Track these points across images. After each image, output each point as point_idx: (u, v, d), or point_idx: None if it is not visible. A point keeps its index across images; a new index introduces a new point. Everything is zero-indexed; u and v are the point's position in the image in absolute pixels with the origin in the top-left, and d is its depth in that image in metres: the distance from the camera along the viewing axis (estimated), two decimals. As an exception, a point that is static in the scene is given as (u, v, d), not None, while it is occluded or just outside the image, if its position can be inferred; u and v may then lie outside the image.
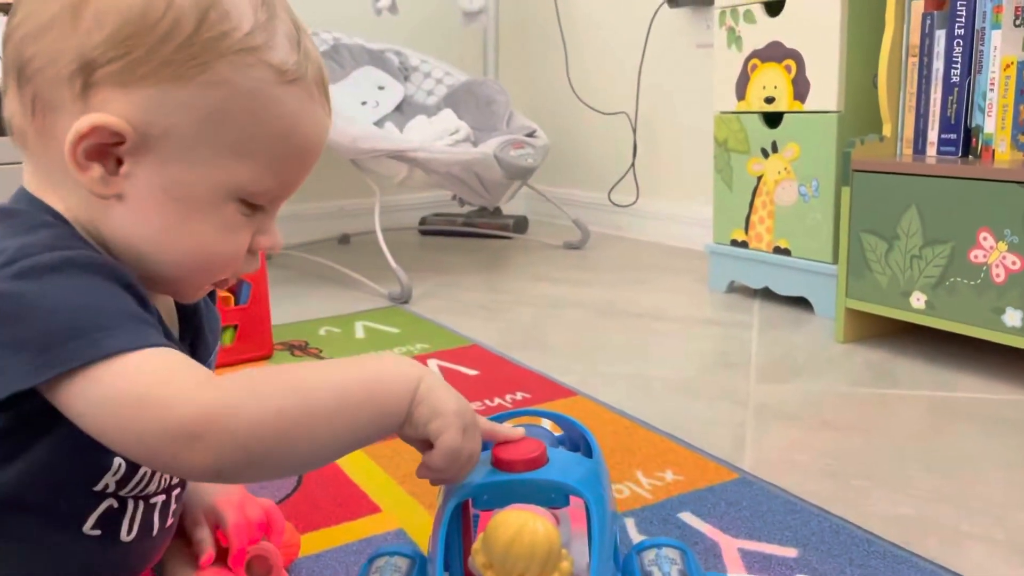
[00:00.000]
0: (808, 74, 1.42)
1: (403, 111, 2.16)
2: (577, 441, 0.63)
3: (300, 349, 1.35)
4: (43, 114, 0.45)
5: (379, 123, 2.04)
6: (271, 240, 0.51)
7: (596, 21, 2.33)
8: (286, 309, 1.56)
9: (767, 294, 1.60)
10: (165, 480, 0.52)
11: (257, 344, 1.29)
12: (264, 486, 0.86)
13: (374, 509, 0.82)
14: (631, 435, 0.98)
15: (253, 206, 0.49)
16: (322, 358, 1.30)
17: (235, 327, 1.27)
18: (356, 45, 2.18)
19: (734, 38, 1.54)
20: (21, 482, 0.45)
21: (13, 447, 0.45)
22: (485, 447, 0.63)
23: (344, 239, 2.34)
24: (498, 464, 0.52)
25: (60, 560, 0.48)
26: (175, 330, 0.53)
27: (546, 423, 0.90)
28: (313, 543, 0.75)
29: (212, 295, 0.58)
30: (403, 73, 2.22)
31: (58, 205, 0.47)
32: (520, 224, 2.41)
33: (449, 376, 1.20)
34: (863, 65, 1.38)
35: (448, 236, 2.42)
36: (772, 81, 1.48)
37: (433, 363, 1.26)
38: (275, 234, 0.52)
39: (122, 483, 0.48)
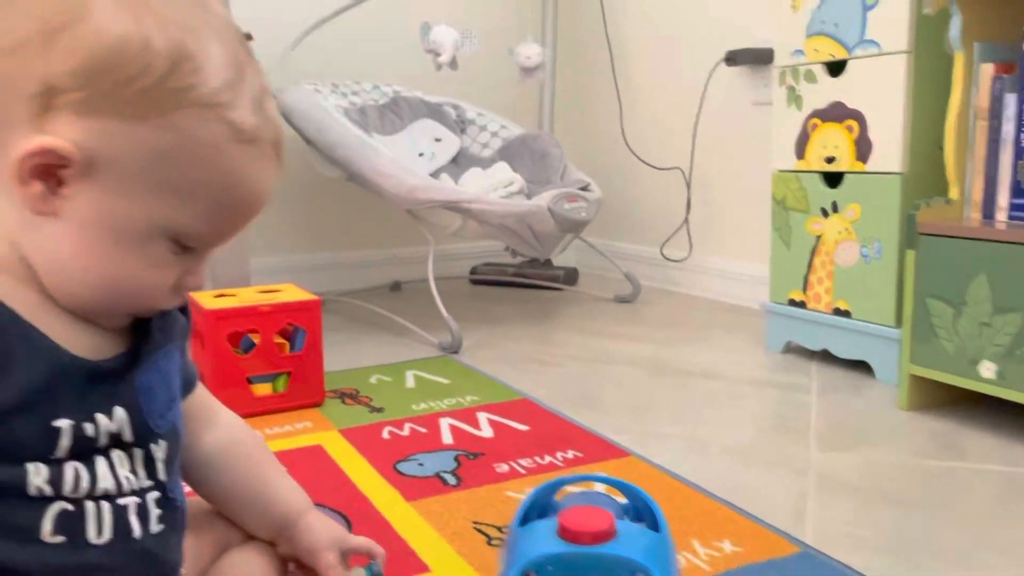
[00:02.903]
0: (871, 135, 1.40)
1: (458, 163, 2.18)
2: (641, 509, 0.61)
3: (351, 397, 1.35)
4: None
5: (434, 174, 2.07)
6: (196, 281, 0.53)
7: (652, 77, 2.34)
8: (337, 356, 1.57)
9: (825, 356, 1.55)
10: (128, 481, 0.51)
11: (309, 392, 1.30)
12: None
13: (422, 568, 0.81)
14: (687, 501, 0.95)
15: (184, 247, 0.50)
16: (373, 407, 1.30)
17: (288, 374, 1.28)
18: (415, 98, 2.23)
19: (794, 97, 1.53)
20: None
21: None
22: (547, 510, 0.61)
23: (396, 286, 2.35)
24: (564, 534, 0.50)
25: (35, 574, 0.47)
26: (117, 333, 0.52)
27: (599, 486, 0.88)
28: (362, 601, 0.73)
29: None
30: (459, 126, 2.25)
31: None
32: (570, 276, 2.41)
33: (500, 431, 1.19)
34: (927, 127, 1.36)
35: (498, 286, 2.42)
36: (833, 141, 1.46)
37: (483, 416, 1.25)
38: (201, 276, 0.53)
39: (56, 484, 0.48)
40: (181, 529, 0.57)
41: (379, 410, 1.29)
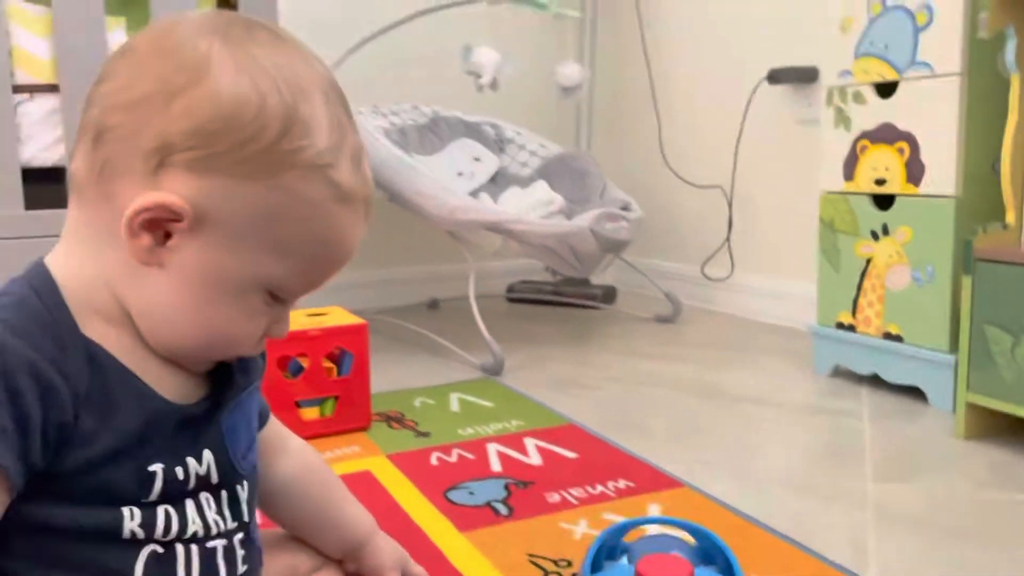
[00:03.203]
0: (923, 157, 1.38)
1: (497, 182, 2.19)
2: (710, 551, 0.60)
3: (397, 421, 1.35)
4: (109, 178, 0.48)
5: (474, 194, 2.07)
6: (283, 329, 0.54)
7: (691, 96, 2.33)
8: (380, 377, 1.57)
9: (874, 381, 1.53)
10: (217, 524, 0.52)
11: (356, 415, 1.30)
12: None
13: (480, 601, 0.80)
14: (743, 534, 0.94)
15: (277, 298, 0.51)
16: (419, 432, 1.30)
17: (335, 398, 1.28)
18: (453, 117, 2.23)
19: (842, 118, 1.51)
20: (47, 544, 0.46)
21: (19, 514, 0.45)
22: (615, 553, 0.61)
23: (433, 304, 2.36)
24: (642, 585, 0.49)
25: None
26: (200, 377, 0.53)
27: (650, 525, 0.87)
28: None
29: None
30: (498, 145, 2.26)
31: (76, 264, 0.49)
32: (608, 295, 2.39)
33: (548, 458, 1.18)
34: (981, 150, 1.33)
35: (535, 304, 2.41)
36: (883, 163, 1.44)
37: (531, 443, 1.24)
38: (287, 324, 0.54)
39: (148, 527, 0.48)
40: (260, 568, 0.57)
41: (425, 435, 1.29)
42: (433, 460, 1.18)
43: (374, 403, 1.40)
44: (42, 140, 1.27)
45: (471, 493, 1.06)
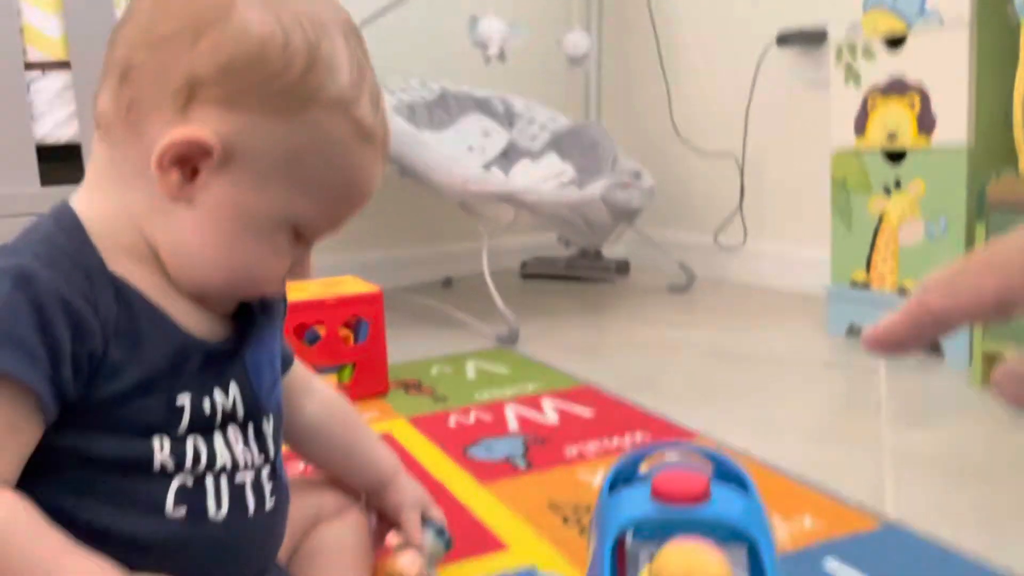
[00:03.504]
0: (934, 109, 1.37)
1: (508, 156, 2.19)
2: (727, 477, 0.60)
3: (414, 388, 1.36)
4: (137, 116, 0.48)
5: (485, 167, 2.08)
6: (305, 270, 0.55)
7: (700, 63, 2.32)
8: (397, 348, 1.57)
9: (890, 337, 1.52)
10: (244, 457, 0.53)
11: (373, 382, 1.31)
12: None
13: (500, 546, 0.81)
14: (762, 478, 0.92)
15: (301, 236, 0.52)
16: (436, 397, 1.31)
17: (353, 365, 1.30)
18: (462, 93, 2.24)
19: (852, 74, 1.50)
20: (81, 475, 0.47)
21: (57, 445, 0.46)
22: (632, 481, 0.61)
23: (447, 282, 2.36)
24: (658, 495, 0.50)
25: (163, 549, 0.49)
26: (224, 316, 0.54)
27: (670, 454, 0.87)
28: (445, 578, 0.74)
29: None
30: (508, 119, 2.26)
31: (103, 202, 0.50)
32: (622, 267, 2.40)
33: (564, 416, 1.19)
34: (993, 99, 1.32)
35: (549, 279, 2.42)
36: (894, 117, 1.43)
37: (547, 403, 1.25)
38: (309, 265, 0.55)
39: (178, 459, 0.49)
40: (287, 504, 0.58)
41: (443, 399, 1.30)
42: (451, 422, 1.19)
43: (392, 372, 1.41)
44: (56, 117, 1.29)
45: (489, 449, 1.07)
